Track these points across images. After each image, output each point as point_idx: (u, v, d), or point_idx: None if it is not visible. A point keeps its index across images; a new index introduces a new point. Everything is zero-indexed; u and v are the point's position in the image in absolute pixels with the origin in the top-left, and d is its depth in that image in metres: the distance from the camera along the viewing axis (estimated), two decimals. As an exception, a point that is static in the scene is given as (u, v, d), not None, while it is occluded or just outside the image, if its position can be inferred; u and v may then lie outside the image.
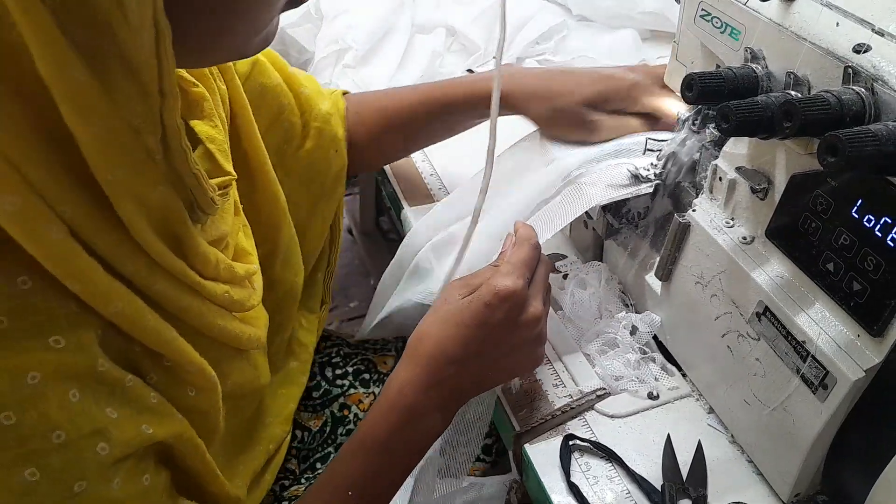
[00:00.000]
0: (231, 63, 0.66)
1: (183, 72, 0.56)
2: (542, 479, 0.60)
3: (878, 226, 0.47)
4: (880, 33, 0.47)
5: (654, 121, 0.75)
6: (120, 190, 0.42)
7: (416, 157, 0.98)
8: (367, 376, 0.89)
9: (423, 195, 0.92)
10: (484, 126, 0.93)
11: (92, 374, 0.43)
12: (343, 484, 0.58)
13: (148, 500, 0.49)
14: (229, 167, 0.58)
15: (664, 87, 0.74)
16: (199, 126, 0.57)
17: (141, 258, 0.45)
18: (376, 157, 0.89)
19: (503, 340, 0.60)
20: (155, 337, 0.47)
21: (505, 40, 1.18)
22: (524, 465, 0.64)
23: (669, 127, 0.71)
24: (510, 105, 0.77)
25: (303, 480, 0.79)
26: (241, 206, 0.64)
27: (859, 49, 0.47)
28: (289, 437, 0.77)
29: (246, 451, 0.68)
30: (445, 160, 0.97)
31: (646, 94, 0.74)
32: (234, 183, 0.61)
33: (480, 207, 0.65)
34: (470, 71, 1.15)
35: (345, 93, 0.85)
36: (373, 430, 0.59)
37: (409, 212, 0.90)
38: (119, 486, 0.46)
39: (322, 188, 0.81)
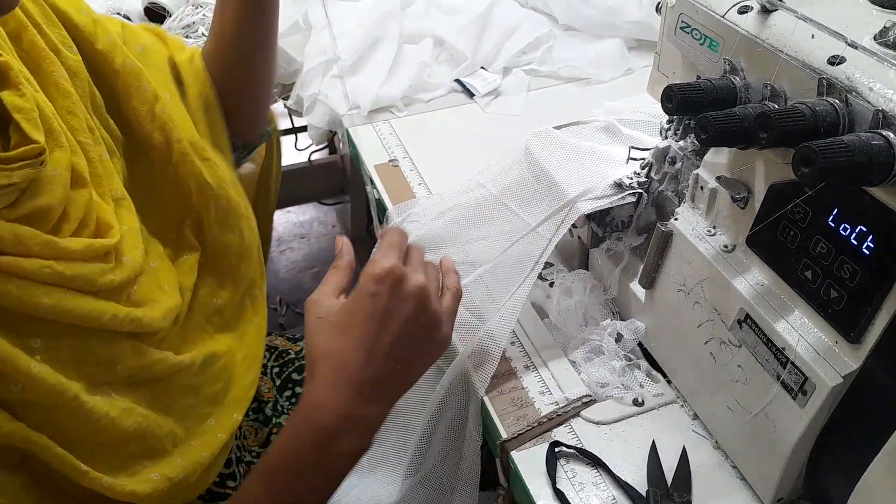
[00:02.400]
0: (84, 32, 0.64)
1: None
2: (529, 486, 0.61)
3: (854, 234, 0.48)
4: (854, 46, 0.48)
5: None
6: None
7: (405, 166, 0.99)
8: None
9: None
10: (473, 139, 0.95)
11: None
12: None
13: None
14: (38, 136, 0.53)
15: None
16: (6, 97, 0.54)
17: None
18: (235, 98, 0.83)
19: (397, 323, 0.56)
20: None
21: (492, 50, 1.20)
22: (511, 472, 0.64)
23: None
24: None
25: None
26: (103, 178, 0.61)
27: (834, 61, 0.48)
28: (239, 422, 0.73)
29: (204, 434, 0.66)
30: (434, 170, 0.98)
31: None
32: (88, 153, 0.58)
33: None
34: (458, 81, 1.16)
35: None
36: (283, 456, 0.55)
37: (393, 211, 0.91)
38: None
39: (215, 112, 0.79)
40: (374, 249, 0.63)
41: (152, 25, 0.77)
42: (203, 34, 1.35)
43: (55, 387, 0.52)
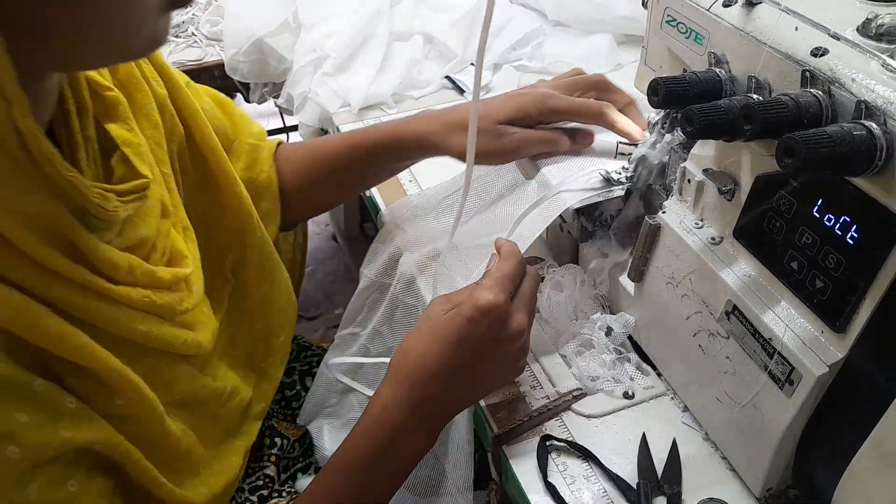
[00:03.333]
0: (168, 69, 0.68)
1: (95, 75, 0.56)
2: (521, 480, 0.61)
3: (838, 225, 0.48)
4: (836, 37, 0.48)
5: (574, 133, 0.75)
6: None
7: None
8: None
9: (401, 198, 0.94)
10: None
11: None
12: (324, 503, 0.58)
13: None
14: (145, 170, 0.57)
15: (583, 90, 0.76)
16: (114, 129, 0.57)
17: (28, 265, 0.45)
18: (310, 204, 0.88)
19: (486, 355, 0.59)
20: (58, 342, 0.47)
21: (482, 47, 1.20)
22: (503, 466, 0.64)
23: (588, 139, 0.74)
24: (428, 145, 0.76)
25: (284, 494, 0.80)
26: (176, 208, 0.64)
27: (817, 53, 0.48)
28: (252, 440, 0.76)
29: (223, 458, 0.68)
30: (425, 167, 0.98)
31: (554, 101, 0.73)
32: (168, 184, 0.61)
33: (457, 223, 0.67)
34: (448, 78, 1.16)
35: (279, 143, 0.85)
36: (356, 449, 0.59)
37: (385, 213, 0.91)
38: (37, 490, 0.46)
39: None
40: (490, 258, 0.64)
41: (221, 96, 0.80)
42: (192, 33, 1.35)
43: (151, 402, 0.55)
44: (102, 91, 0.56)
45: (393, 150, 0.79)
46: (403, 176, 0.97)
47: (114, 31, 0.45)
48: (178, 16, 1.36)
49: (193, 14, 1.37)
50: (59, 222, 0.47)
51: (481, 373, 0.61)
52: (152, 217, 0.57)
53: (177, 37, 1.34)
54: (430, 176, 0.96)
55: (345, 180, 0.85)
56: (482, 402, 0.68)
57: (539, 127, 0.74)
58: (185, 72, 1.27)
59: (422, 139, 0.76)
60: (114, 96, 0.57)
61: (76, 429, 0.48)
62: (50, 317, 0.46)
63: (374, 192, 0.95)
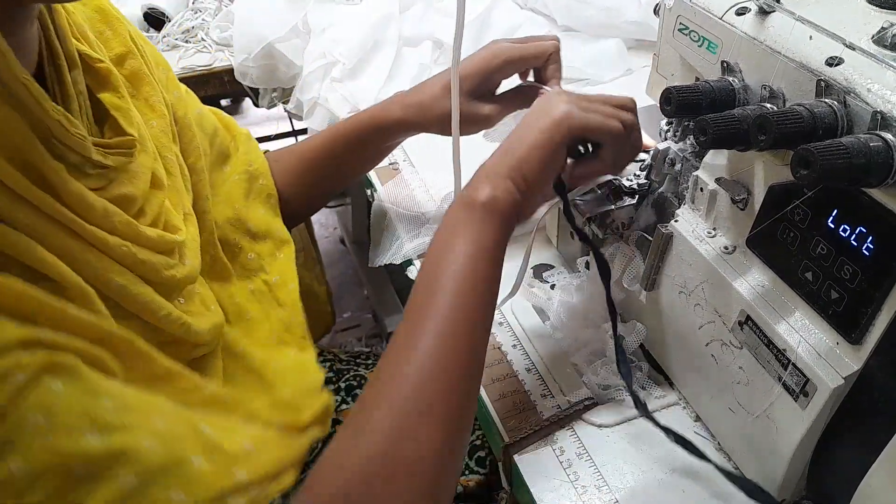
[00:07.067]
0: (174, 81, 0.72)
1: (87, 49, 0.58)
2: (531, 489, 0.61)
3: (854, 235, 0.47)
4: (851, 47, 0.48)
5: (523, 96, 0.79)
6: None
7: (405, 169, 0.99)
8: (359, 392, 0.90)
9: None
10: (473, 141, 0.95)
11: None
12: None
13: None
14: (132, 130, 0.59)
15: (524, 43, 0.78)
16: (106, 97, 0.59)
17: None
18: (304, 201, 0.89)
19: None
20: (16, 249, 0.46)
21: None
22: (513, 475, 0.64)
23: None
24: (408, 127, 0.80)
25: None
26: (179, 193, 0.65)
27: (832, 62, 0.48)
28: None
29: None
30: (435, 173, 0.98)
31: (510, 51, 0.76)
32: (169, 167, 0.64)
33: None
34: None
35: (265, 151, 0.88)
36: (437, 235, 0.58)
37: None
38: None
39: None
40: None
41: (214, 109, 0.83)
42: (202, 39, 1.35)
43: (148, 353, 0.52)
44: (94, 63, 0.59)
45: (374, 137, 0.82)
46: (414, 181, 0.97)
47: None
48: (187, 21, 1.36)
49: (203, 19, 1.38)
50: (21, 142, 0.47)
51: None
52: (140, 180, 0.58)
53: (186, 42, 1.34)
54: (424, 158, 0.99)
55: (333, 172, 0.87)
56: (492, 411, 0.67)
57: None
58: (194, 77, 1.29)
59: (400, 123, 0.80)
60: (105, 67, 0.59)
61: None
62: (9, 230, 0.46)
63: (383, 197, 0.95)
